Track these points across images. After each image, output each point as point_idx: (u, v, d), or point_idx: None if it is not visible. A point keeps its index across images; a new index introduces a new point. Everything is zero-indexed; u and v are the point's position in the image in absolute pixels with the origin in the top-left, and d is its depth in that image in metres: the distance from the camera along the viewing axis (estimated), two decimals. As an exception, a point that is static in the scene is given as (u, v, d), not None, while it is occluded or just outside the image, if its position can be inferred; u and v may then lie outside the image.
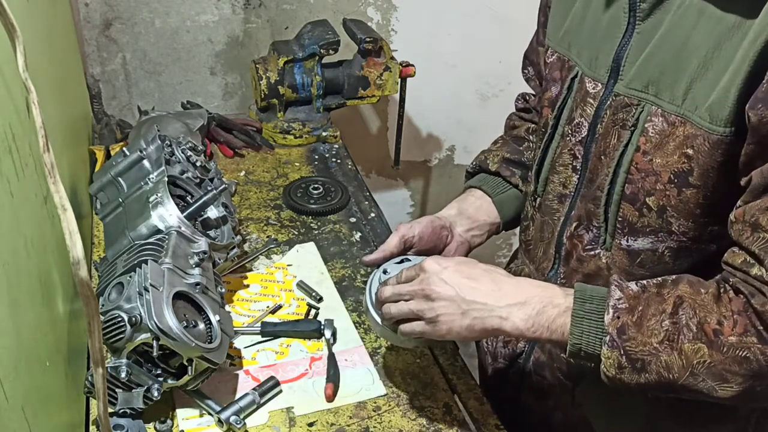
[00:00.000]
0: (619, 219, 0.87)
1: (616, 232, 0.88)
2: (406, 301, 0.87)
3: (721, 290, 0.75)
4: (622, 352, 0.75)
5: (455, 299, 0.83)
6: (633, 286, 0.78)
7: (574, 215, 0.94)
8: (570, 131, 0.93)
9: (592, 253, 0.92)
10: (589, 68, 0.90)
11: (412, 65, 1.74)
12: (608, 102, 0.86)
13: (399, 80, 1.72)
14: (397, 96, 1.80)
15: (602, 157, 0.88)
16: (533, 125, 1.16)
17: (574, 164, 0.93)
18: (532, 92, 1.21)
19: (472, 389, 1.05)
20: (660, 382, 0.75)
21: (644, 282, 0.78)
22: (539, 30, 1.12)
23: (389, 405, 1.01)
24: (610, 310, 0.76)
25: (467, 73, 2.15)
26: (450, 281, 0.84)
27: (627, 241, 0.87)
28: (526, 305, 0.81)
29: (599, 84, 0.88)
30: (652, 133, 0.81)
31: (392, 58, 1.70)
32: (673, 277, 0.79)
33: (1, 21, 0.58)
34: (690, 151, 0.78)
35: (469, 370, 1.09)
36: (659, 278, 0.79)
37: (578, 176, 0.93)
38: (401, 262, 0.98)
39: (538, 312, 0.81)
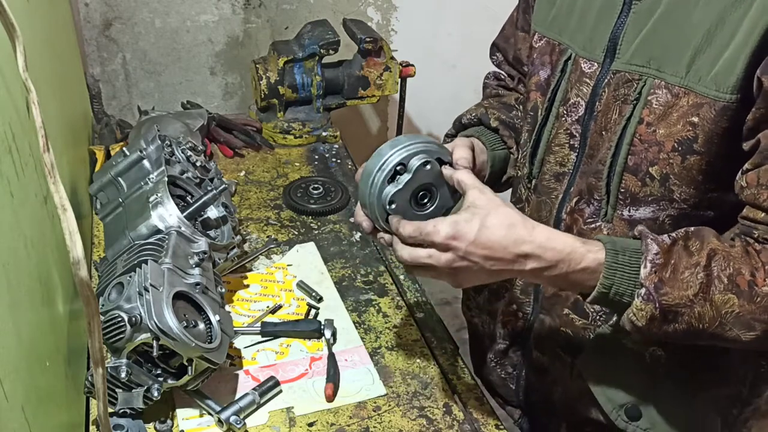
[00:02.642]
0: (621, 190, 0.89)
1: (618, 204, 0.90)
2: (426, 251, 0.81)
3: (745, 244, 0.79)
4: (657, 305, 0.77)
5: (484, 268, 0.80)
6: (666, 239, 0.79)
7: (573, 191, 0.95)
8: (565, 112, 0.95)
9: (593, 226, 0.93)
10: (584, 49, 0.92)
11: (412, 65, 1.74)
12: (606, 79, 0.89)
13: (399, 80, 1.73)
14: (397, 96, 1.81)
15: (603, 132, 0.90)
16: (520, 96, 1.18)
17: (571, 143, 0.95)
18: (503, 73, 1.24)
19: (472, 389, 1.05)
20: (688, 331, 0.78)
21: (673, 234, 0.80)
22: (519, 15, 1.13)
23: (389, 405, 1.01)
24: (648, 264, 0.77)
25: (467, 73, 2.15)
26: (484, 254, 0.79)
27: (629, 211, 0.89)
28: (551, 267, 0.81)
29: (595, 63, 0.91)
30: (655, 105, 0.83)
31: (392, 58, 1.70)
32: (692, 229, 0.80)
33: (1, 21, 0.58)
34: (695, 119, 0.80)
35: (470, 370, 1.09)
36: (682, 230, 0.80)
37: (576, 154, 0.95)
38: (419, 153, 0.85)
39: (560, 270, 0.81)
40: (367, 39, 1.65)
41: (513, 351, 1.14)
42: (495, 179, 1.11)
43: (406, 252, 0.83)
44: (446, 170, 0.86)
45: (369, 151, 0.88)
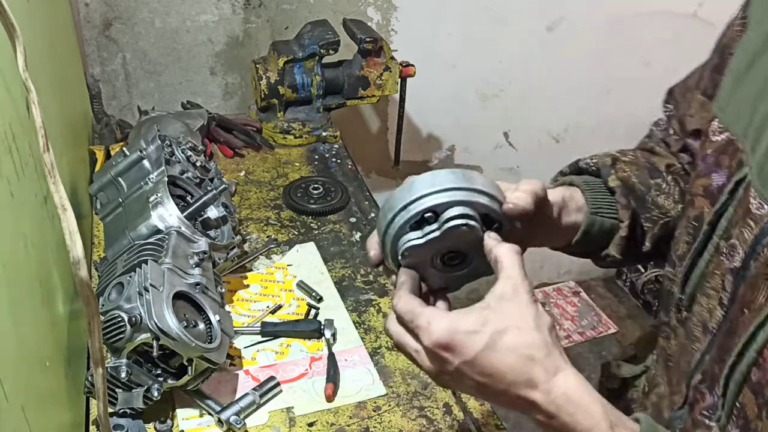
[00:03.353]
0: (737, 405, 0.61)
1: (731, 419, 0.62)
2: (414, 344, 0.65)
3: None
4: None
5: (477, 390, 0.64)
6: None
7: (707, 360, 0.69)
8: (725, 250, 0.67)
9: (707, 422, 0.67)
10: (759, 176, 0.62)
11: (412, 65, 1.74)
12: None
13: (399, 80, 1.72)
14: (397, 96, 1.80)
15: (744, 310, 0.62)
16: (676, 166, 0.90)
17: (722, 296, 0.68)
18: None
19: (472, 389, 1.05)
20: None
21: None
22: (706, 72, 0.84)
23: (389, 405, 1.01)
24: None
25: (467, 73, 2.15)
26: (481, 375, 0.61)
27: None
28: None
29: (765, 206, 0.61)
30: None
31: (392, 58, 1.70)
32: None
33: (1, 21, 0.58)
34: None
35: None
36: None
37: (722, 315, 0.67)
38: (461, 204, 0.65)
39: None
40: (367, 39, 1.65)
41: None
42: (591, 249, 0.85)
43: (393, 329, 0.66)
44: (487, 239, 0.66)
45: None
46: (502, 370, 0.60)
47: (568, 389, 0.60)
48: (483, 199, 0.65)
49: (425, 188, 0.65)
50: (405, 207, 0.65)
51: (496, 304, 0.61)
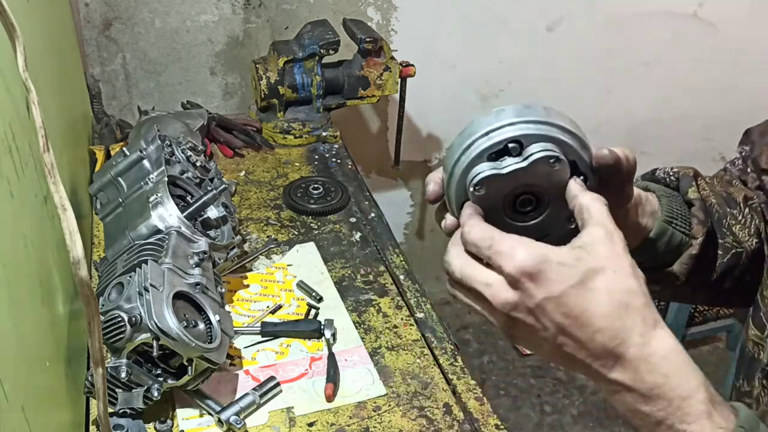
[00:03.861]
0: None
1: None
2: (486, 274, 0.55)
3: None
4: None
5: (552, 341, 0.54)
6: None
7: None
8: None
9: None
10: None
11: (412, 65, 1.74)
12: None
13: (399, 80, 1.72)
14: (397, 96, 1.80)
15: None
16: (754, 200, 0.85)
17: None
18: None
19: (472, 389, 1.05)
20: None
21: None
22: None
23: (389, 405, 1.01)
24: None
25: (467, 73, 2.15)
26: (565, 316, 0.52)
27: None
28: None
29: None
30: None
31: (392, 58, 1.70)
32: None
33: (1, 21, 0.58)
34: None
35: (469, 371, 1.09)
36: None
37: None
38: (553, 140, 0.58)
39: (653, 412, 0.53)
40: (367, 39, 1.65)
41: None
42: (652, 262, 0.75)
43: (458, 263, 0.56)
44: (573, 184, 0.57)
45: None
46: (593, 312, 0.51)
47: (666, 347, 0.51)
48: (575, 144, 0.58)
49: (513, 117, 0.57)
50: (488, 133, 0.57)
51: (589, 245, 0.53)
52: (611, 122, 2.38)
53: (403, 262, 1.31)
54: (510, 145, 0.57)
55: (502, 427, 0.99)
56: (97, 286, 1.03)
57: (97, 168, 1.40)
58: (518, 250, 0.52)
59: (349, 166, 1.63)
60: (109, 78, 1.85)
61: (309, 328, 1.12)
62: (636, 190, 0.71)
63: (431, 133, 2.25)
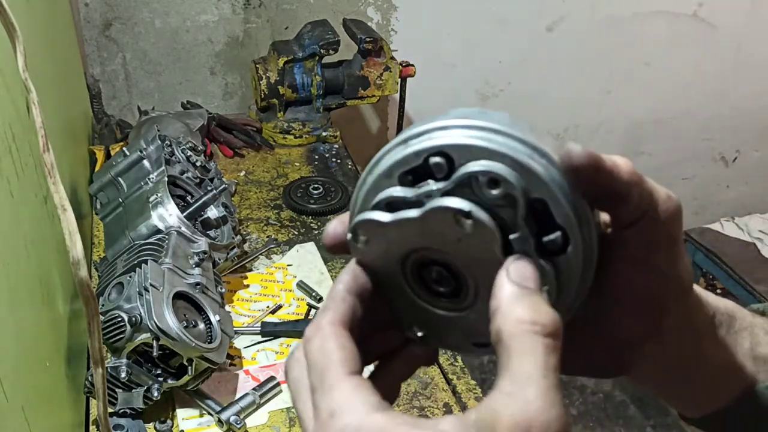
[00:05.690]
0: None
1: None
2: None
3: None
4: None
5: None
6: None
7: None
8: None
9: None
10: None
11: (412, 65, 1.74)
12: None
13: (399, 80, 1.73)
14: (397, 96, 1.81)
15: None
16: None
17: None
18: None
19: (472, 389, 1.05)
20: None
21: None
22: None
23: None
24: None
25: (467, 73, 2.15)
26: None
27: None
28: None
29: None
30: None
31: (392, 58, 1.70)
32: None
33: (1, 21, 0.58)
34: None
35: (469, 371, 1.09)
36: None
37: None
38: (500, 155, 0.32)
39: None
40: (367, 39, 1.65)
41: None
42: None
43: (293, 374, 0.37)
44: (502, 276, 0.32)
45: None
46: None
47: None
48: (538, 167, 0.32)
49: (452, 119, 0.34)
50: (405, 141, 0.35)
51: (489, 416, 0.29)
52: (611, 122, 2.38)
53: (403, 262, 1.31)
54: (433, 159, 0.33)
55: (502, 427, 0.99)
56: (97, 286, 1.03)
57: (97, 168, 1.40)
58: (336, 421, 0.31)
59: (349, 166, 1.63)
60: (109, 78, 1.85)
61: (309, 328, 1.12)
62: (731, 305, 0.44)
63: (431, 133, 2.25)
